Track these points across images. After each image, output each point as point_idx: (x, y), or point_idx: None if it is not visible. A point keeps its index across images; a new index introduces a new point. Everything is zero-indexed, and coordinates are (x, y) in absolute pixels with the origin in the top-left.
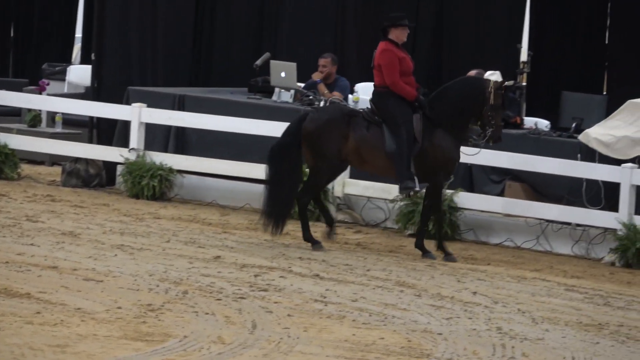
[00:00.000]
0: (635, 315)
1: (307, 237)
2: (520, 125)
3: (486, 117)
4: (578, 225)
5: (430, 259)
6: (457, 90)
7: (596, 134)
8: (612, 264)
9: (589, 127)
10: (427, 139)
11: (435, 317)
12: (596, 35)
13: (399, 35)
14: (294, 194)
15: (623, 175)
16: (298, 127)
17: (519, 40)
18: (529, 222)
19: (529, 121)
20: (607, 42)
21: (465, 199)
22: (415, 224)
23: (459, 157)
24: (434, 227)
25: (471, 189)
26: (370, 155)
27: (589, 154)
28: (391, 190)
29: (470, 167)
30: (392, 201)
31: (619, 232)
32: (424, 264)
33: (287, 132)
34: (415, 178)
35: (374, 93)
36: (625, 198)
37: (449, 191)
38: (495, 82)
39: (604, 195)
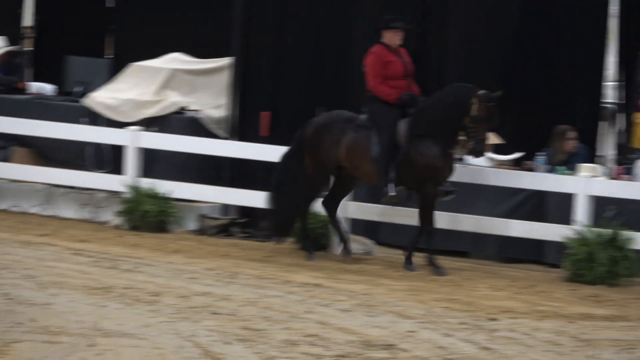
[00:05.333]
0: (142, 277)
1: (306, 245)
2: (24, 91)
3: (467, 129)
4: (84, 188)
5: (443, 275)
6: (444, 98)
7: (101, 98)
8: (119, 226)
9: (94, 90)
10: (413, 146)
11: None
12: None
13: (391, 37)
14: (298, 201)
15: (128, 138)
16: (302, 133)
17: (20, 6)
18: (36, 186)
19: (35, 86)
20: (110, 5)
21: None
22: None
23: (448, 168)
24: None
25: None
26: (358, 161)
27: (95, 118)
28: None
29: None
30: None
31: (125, 195)
32: None
33: (294, 139)
34: (392, 184)
35: (365, 98)
36: (131, 161)
37: None
38: (483, 93)
39: (110, 159)
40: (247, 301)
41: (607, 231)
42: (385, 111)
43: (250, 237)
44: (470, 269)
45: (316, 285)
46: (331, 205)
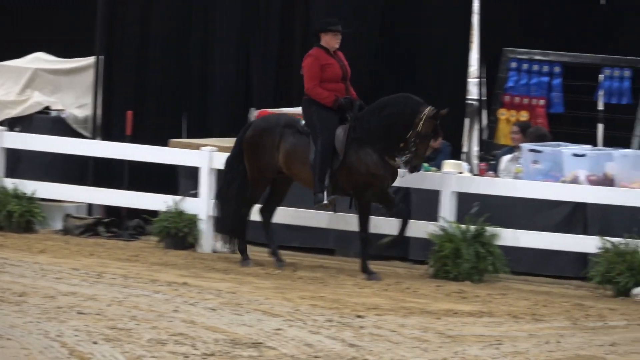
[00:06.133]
0: (8, 277)
1: (241, 249)
2: None
3: (409, 143)
4: None
5: (375, 280)
6: (390, 107)
7: None
8: None
9: None
10: (352, 153)
11: None
12: None
13: (329, 41)
14: (242, 204)
15: None
16: (242, 136)
17: None
18: None
19: None
20: None
21: None
22: None
23: (388, 175)
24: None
25: None
26: (296, 167)
27: None
28: None
29: None
30: None
31: None
32: None
33: (235, 143)
34: (325, 192)
35: (302, 101)
36: None
37: None
38: (431, 110)
39: None
40: (114, 301)
41: (472, 227)
42: (323, 115)
43: (115, 236)
44: (336, 266)
45: (182, 284)
46: (266, 212)
